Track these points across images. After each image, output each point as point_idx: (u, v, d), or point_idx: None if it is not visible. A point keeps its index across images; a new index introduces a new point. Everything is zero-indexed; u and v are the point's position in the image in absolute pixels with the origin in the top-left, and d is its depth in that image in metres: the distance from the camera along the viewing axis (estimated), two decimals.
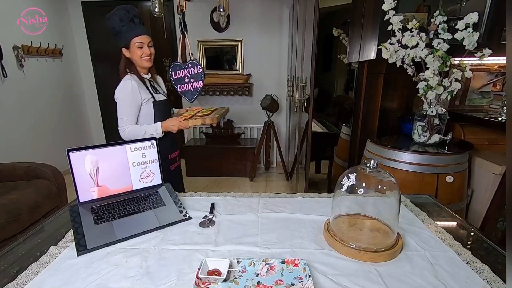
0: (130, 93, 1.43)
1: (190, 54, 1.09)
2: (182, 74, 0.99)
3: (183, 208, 1.16)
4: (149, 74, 1.50)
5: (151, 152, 1.20)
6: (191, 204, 1.23)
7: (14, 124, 3.00)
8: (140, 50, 1.42)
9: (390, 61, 1.57)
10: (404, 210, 1.16)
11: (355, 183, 0.88)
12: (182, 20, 1.13)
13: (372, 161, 0.89)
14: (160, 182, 1.24)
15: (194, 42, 3.71)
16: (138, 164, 1.18)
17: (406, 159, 1.55)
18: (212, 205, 1.20)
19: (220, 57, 3.80)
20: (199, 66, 1.04)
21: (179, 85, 1.02)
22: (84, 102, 4.10)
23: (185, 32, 1.18)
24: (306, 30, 1.99)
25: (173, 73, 1.01)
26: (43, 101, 3.36)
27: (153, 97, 1.49)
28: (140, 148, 1.18)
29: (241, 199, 1.25)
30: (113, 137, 4.22)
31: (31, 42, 3.06)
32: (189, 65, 1.03)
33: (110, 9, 1.48)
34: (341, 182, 0.90)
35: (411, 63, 1.58)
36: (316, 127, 3.20)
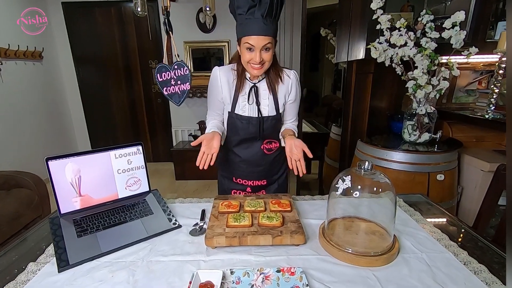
0: (210, 84, 1.19)
1: (176, 56, 1.03)
2: (168, 76, 0.94)
3: (172, 216, 1.11)
4: (260, 79, 1.20)
5: (137, 158, 1.15)
6: (181, 211, 1.18)
7: None
8: (248, 53, 1.06)
9: (379, 60, 1.57)
10: (398, 211, 1.15)
11: (350, 186, 0.86)
12: (166, 20, 1.06)
13: (367, 163, 0.87)
14: (148, 189, 1.19)
15: (181, 43, 3.64)
16: (124, 171, 1.12)
17: (397, 159, 1.55)
18: (203, 212, 1.16)
19: (207, 58, 3.75)
20: (185, 68, 0.99)
21: (165, 88, 0.98)
22: (67, 107, 3.96)
23: (170, 32, 1.09)
24: (294, 31, 1.97)
25: (158, 75, 0.96)
26: (23, 106, 3.22)
27: (233, 105, 1.19)
28: (125, 155, 1.12)
29: None
30: (98, 143, 4.10)
31: (8, 44, 2.93)
32: (175, 67, 0.98)
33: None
34: (336, 185, 0.88)
35: (400, 62, 1.58)
36: (306, 127, 3.19)
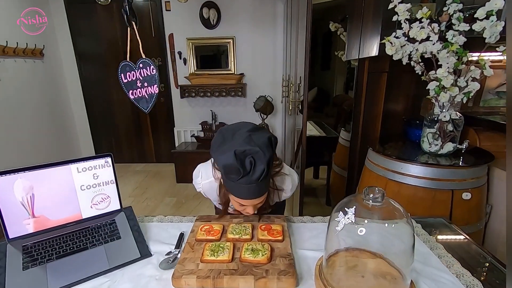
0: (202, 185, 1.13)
1: (141, 51, 0.85)
2: (133, 76, 0.77)
3: (144, 240, 0.95)
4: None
5: (106, 172, 0.99)
6: (157, 233, 1.01)
7: None
8: (241, 206, 0.98)
9: (395, 57, 1.35)
10: (416, 242, 0.94)
11: (353, 221, 0.66)
12: (128, 6, 0.86)
13: (377, 190, 0.67)
14: (119, 207, 1.02)
15: (184, 41, 3.49)
16: (89, 187, 0.96)
17: (414, 173, 1.33)
18: (181, 236, 0.98)
19: (211, 56, 3.58)
20: (152, 67, 0.81)
21: (130, 91, 0.81)
22: (69, 107, 3.88)
23: (134, 23, 0.89)
24: (300, 26, 1.76)
25: (122, 75, 0.79)
26: (22, 105, 3.14)
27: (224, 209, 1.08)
28: (90, 168, 0.96)
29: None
30: (101, 144, 4.01)
31: (6, 42, 2.84)
32: (140, 65, 0.81)
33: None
34: (336, 219, 0.68)
35: (420, 60, 1.36)
36: (313, 130, 2.98)
